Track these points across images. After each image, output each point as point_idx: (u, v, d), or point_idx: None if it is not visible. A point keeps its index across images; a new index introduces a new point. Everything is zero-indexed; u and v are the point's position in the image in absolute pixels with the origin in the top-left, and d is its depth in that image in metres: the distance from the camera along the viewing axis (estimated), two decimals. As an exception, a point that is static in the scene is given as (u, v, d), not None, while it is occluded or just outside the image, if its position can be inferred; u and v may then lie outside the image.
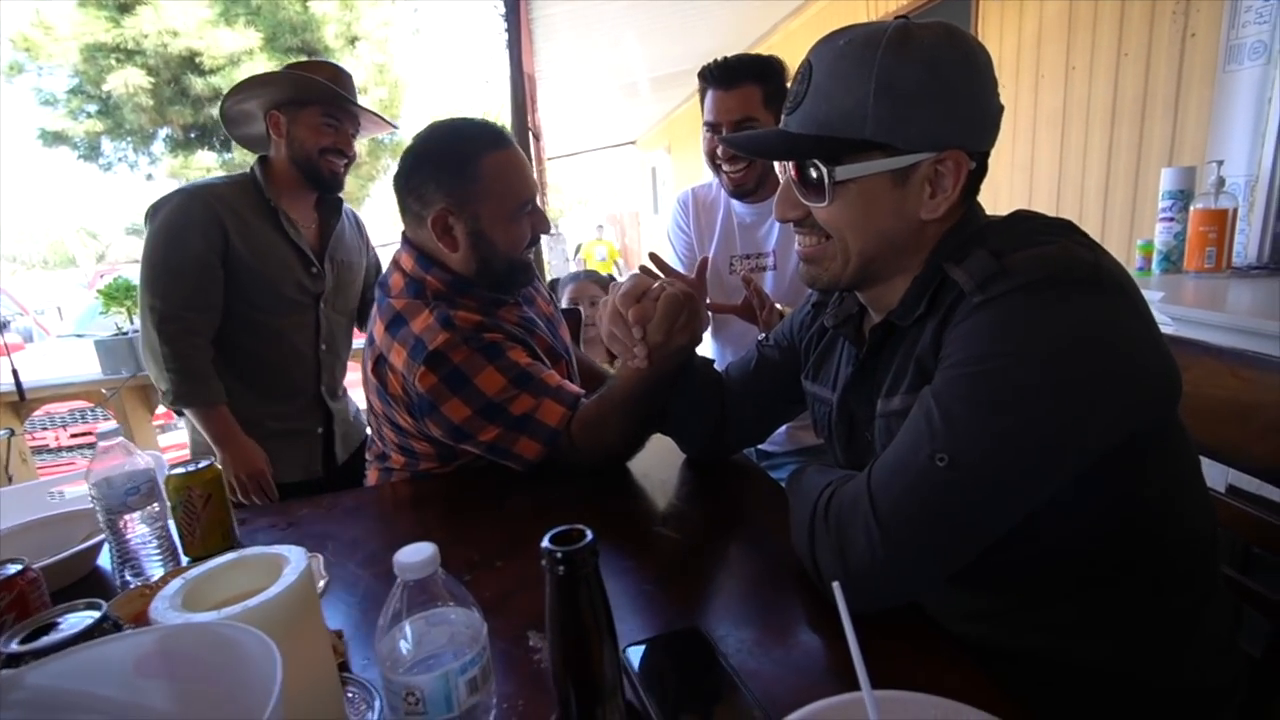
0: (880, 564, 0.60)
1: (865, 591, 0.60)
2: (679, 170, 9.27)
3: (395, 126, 1.67)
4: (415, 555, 0.43)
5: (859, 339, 0.78)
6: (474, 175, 1.00)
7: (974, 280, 0.60)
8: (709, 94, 1.42)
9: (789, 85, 1.40)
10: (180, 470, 0.84)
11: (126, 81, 8.85)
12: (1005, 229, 0.67)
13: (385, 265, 1.72)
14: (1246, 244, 1.83)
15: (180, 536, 0.84)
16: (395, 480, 1.15)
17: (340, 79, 1.47)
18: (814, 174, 0.66)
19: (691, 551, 0.84)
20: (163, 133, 9.94)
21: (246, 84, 1.44)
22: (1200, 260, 1.72)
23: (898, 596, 0.64)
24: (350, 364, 1.72)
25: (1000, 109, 0.67)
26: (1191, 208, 1.74)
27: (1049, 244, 0.61)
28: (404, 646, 0.44)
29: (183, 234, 1.39)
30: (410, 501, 1.06)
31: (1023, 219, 0.68)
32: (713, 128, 1.42)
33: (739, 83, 1.38)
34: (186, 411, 1.44)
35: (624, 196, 13.55)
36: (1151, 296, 1.48)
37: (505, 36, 3.27)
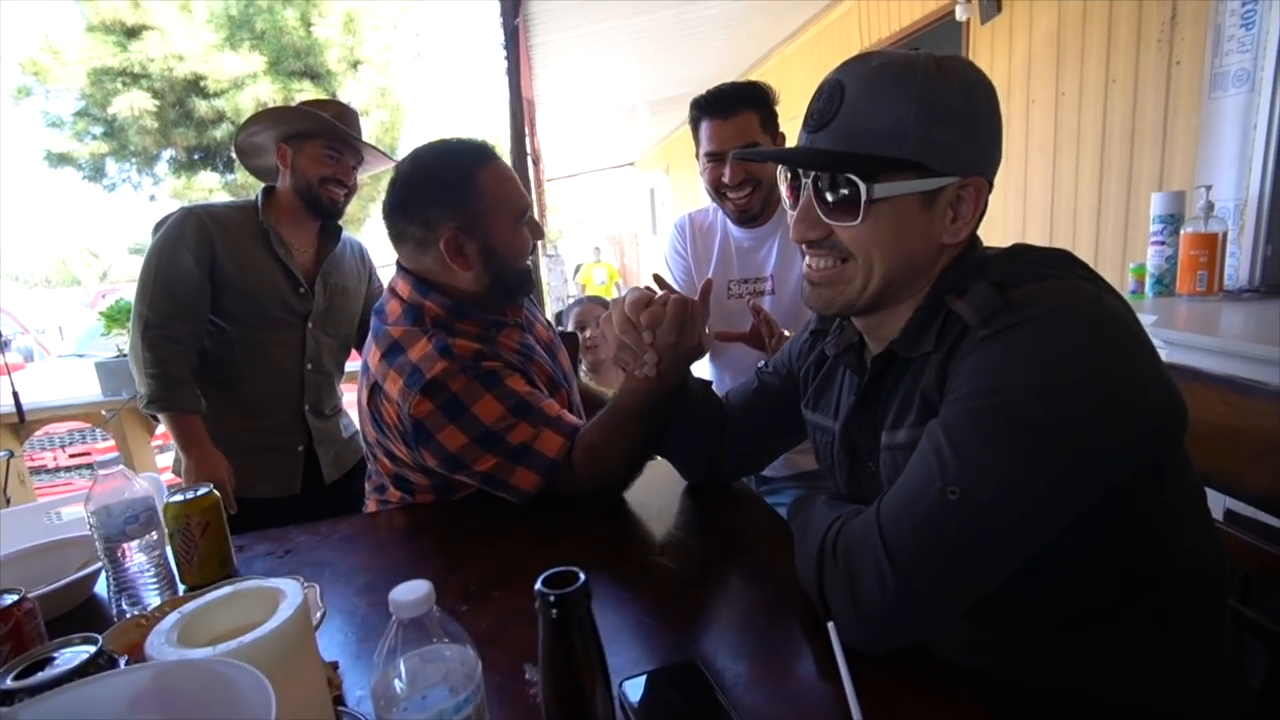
0: (892, 600, 0.59)
1: (875, 629, 0.60)
2: (677, 191, 9.35)
3: (394, 160, 1.72)
4: (410, 594, 0.43)
5: (860, 368, 0.78)
6: (476, 193, 1.02)
7: (979, 314, 0.61)
8: (705, 124, 1.43)
9: (778, 109, 1.45)
10: (179, 498, 0.84)
11: (132, 104, 8.97)
12: (1005, 261, 0.68)
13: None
14: (1238, 267, 1.85)
15: (177, 564, 0.84)
16: (392, 509, 1.14)
17: (344, 115, 1.58)
18: (846, 191, 0.65)
19: (688, 582, 0.84)
20: (166, 154, 10.04)
21: (258, 117, 1.56)
22: (1193, 283, 1.73)
23: (909, 634, 0.63)
24: (348, 386, 1.74)
25: (1001, 141, 0.69)
26: (1182, 231, 1.76)
27: (1051, 278, 0.62)
28: (398, 685, 0.44)
29: (174, 249, 1.48)
30: (407, 530, 1.06)
31: (1022, 251, 0.69)
32: (715, 157, 1.42)
33: (737, 110, 1.40)
34: (160, 416, 1.50)
35: (623, 217, 13.64)
36: (1145, 320, 1.49)
37: (505, 64, 3.32)
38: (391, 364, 1.00)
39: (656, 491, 1.08)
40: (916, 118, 0.62)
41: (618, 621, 0.75)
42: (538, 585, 0.36)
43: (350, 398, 2.14)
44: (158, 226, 1.53)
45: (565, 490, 1.00)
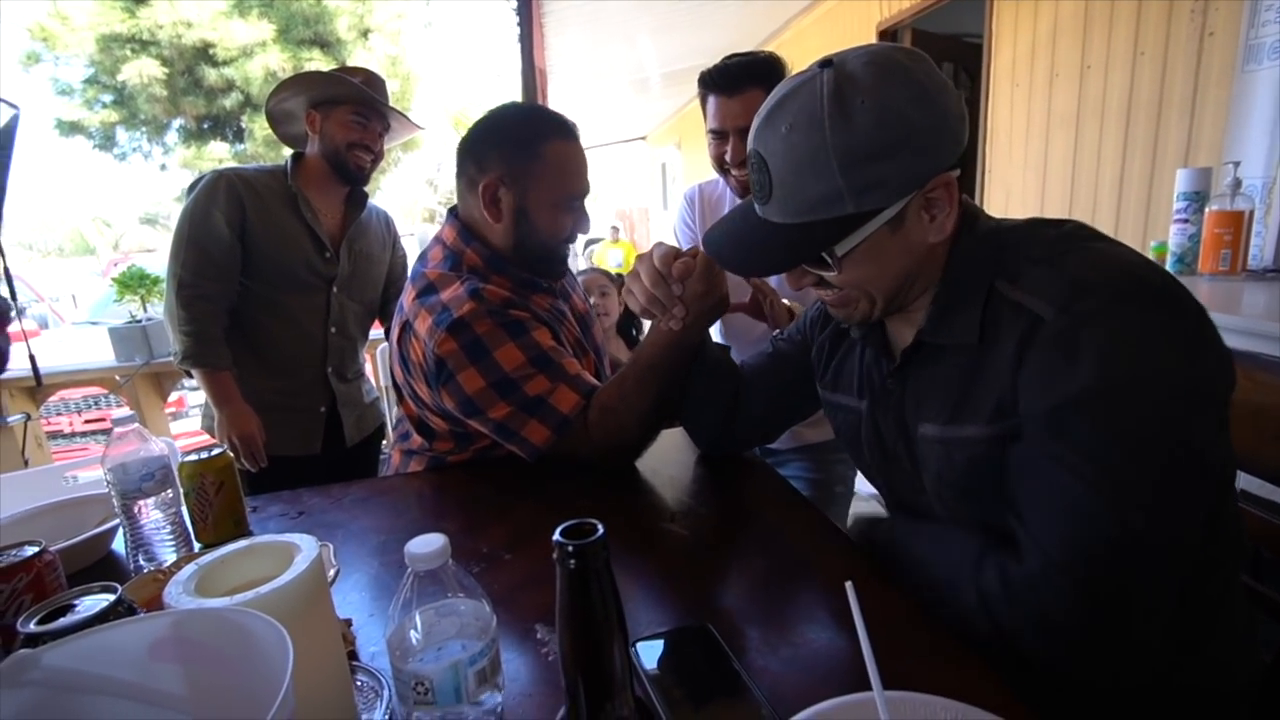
0: (1100, 634, 0.58)
1: (1090, 665, 0.59)
2: (689, 166, 9.25)
3: (422, 128, 1.76)
4: (426, 546, 0.43)
5: (887, 351, 0.77)
6: (535, 154, 1.03)
7: (1052, 303, 0.58)
8: (711, 100, 1.38)
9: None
10: (193, 457, 0.85)
11: (141, 72, 8.93)
12: (1030, 234, 0.66)
13: (409, 256, 1.80)
14: (1263, 246, 1.81)
15: (192, 523, 0.85)
16: (410, 469, 1.16)
17: (372, 82, 1.59)
18: (821, 257, 0.67)
19: (700, 548, 0.84)
20: (176, 123, 10.02)
21: (287, 84, 1.58)
22: (1215, 263, 1.70)
23: (1123, 663, 0.60)
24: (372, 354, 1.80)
25: (958, 99, 0.64)
26: (1207, 209, 1.73)
27: (1091, 248, 0.61)
28: (414, 636, 0.44)
29: (207, 210, 1.52)
30: (419, 493, 1.07)
31: (1040, 224, 0.68)
32: (719, 135, 1.39)
33: (743, 88, 1.35)
34: (194, 372, 1.56)
35: (634, 192, 13.54)
36: (1165, 299, 1.47)
37: (517, 31, 3.27)
38: (424, 303, 1.03)
39: (669, 461, 1.09)
40: (842, 176, 0.60)
41: (630, 585, 0.75)
42: (556, 536, 0.35)
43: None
44: (190, 188, 1.57)
45: (578, 450, 1.00)
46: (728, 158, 1.40)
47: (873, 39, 3.80)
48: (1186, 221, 1.79)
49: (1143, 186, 2.23)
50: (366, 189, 1.72)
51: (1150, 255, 1.90)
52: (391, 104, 1.61)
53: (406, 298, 1.08)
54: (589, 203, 1.14)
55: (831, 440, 1.46)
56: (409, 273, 1.13)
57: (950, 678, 0.58)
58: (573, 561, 0.35)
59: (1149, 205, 2.21)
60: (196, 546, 0.84)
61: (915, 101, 0.60)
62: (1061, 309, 0.57)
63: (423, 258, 1.13)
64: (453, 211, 1.14)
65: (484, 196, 1.04)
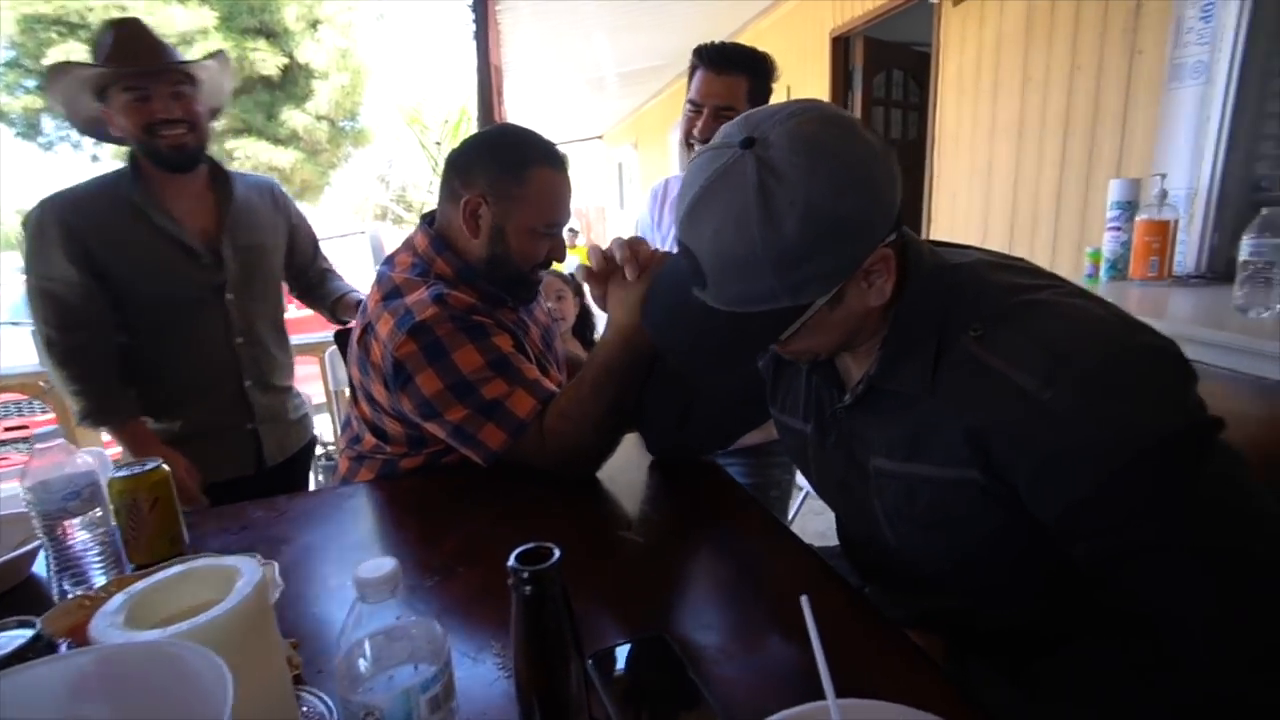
0: None
1: None
2: (645, 166, 9.26)
3: (212, 63, 1.39)
4: (375, 571, 0.41)
5: (837, 383, 0.76)
6: (521, 178, 1.04)
7: (1034, 375, 0.57)
8: (699, 73, 1.45)
9: (773, 86, 1.45)
10: (125, 472, 0.80)
11: (68, 55, 8.43)
12: (980, 278, 0.65)
13: (323, 247, 1.70)
14: (1186, 254, 1.91)
15: (124, 542, 0.80)
16: (360, 476, 1.13)
17: (130, 39, 1.30)
18: None
19: (656, 556, 0.84)
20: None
21: (50, 89, 1.32)
22: (1145, 269, 1.79)
23: None
24: (306, 359, 1.67)
25: (889, 154, 0.61)
26: (1137, 218, 1.81)
27: (1057, 305, 0.61)
28: (362, 664, 0.42)
29: (44, 254, 1.30)
30: (369, 503, 1.03)
31: (988, 266, 0.67)
32: (695, 107, 1.45)
33: (730, 70, 1.42)
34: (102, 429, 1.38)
35: (590, 191, 13.49)
36: (1100, 304, 1.54)
37: (473, 28, 3.21)
38: (388, 306, 1.02)
39: (623, 467, 1.08)
40: (776, 278, 0.58)
41: (586, 596, 0.74)
42: (510, 561, 0.35)
43: (306, 370, 2.02)
44: (24, 224, 1.34)
45: (534, 458, 0.99)
46: (696, 132, 1.45)
47: (826, 45, 3.87)
48: (1119, 229, 1.88)
49: (1079, 195, 2.33)
50: (225, 167, 1.46)
51: (1086, 261, 2.00)
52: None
53: (371, 299, 1.08)
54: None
55: (770, 443, 1.49)
56: (380, 277, 1.10)
57: (901, 681, 0.59)
58: (528, 588, 0.34)
59: (1085, 213, 2.31)
60: (129, 568, 0.79)
61: (843, 192, 0.57)
62: (1046, 381, 0.56)
63: (389, 261, 1.12)
64: (427, 219, 1.13)
65: (465, 210, 1.05)
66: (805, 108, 0.61)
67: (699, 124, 1.44)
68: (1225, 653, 0.54)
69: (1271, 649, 0.53)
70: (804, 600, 0.43)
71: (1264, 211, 1.40)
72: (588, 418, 0.98)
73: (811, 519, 2.68)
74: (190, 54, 1.39)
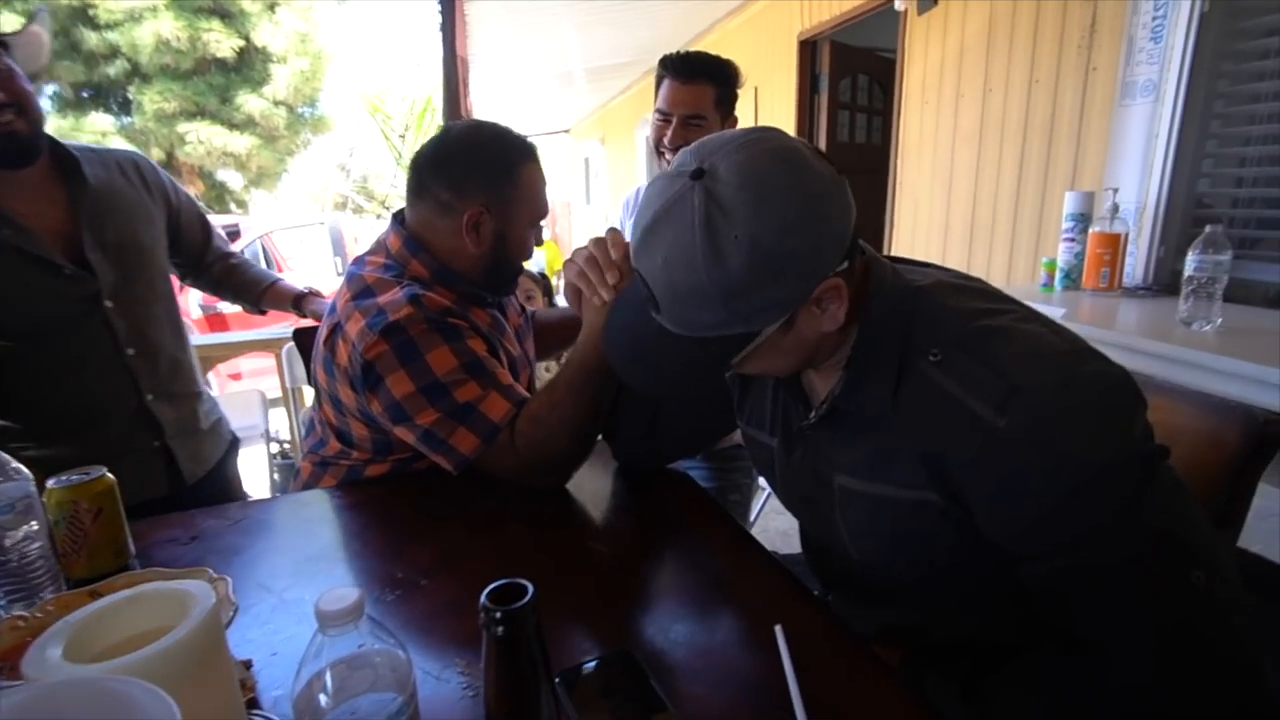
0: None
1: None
2: (612, 162, 9.22)
3: (43, 30, 1.21)
4: (338, 603, 0.40)
5: (802, 399, 0.77)
6: (515, 182, 1.04)
7: (989, 403, 0.58)
8: (665, 83, 1.49)
9: (739, 91, 1.48)
10: (65, 481, 0.76)
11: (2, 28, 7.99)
12: (941, 302, 0.66)
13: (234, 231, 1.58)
14: (1135, 266, 1.98)
15: (61, 556, 0.76)
16: (323, 483, 1.09)
17: None
18: None
19: (623, 569, 0.84)
20: (49, 89, 9.05)
21: None
22: (1096, 280, 1.85)
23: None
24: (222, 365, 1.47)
25: (841, 188, 0.62)
26: (1090, 230, 1.88)
27: (1015, 332, 0.62)
28: (323, 698, 0.41)
29: None
30: (329, 513, 1.00)
31: (948, 289, 0.68)
32: (664, 116, 1.49)
33: (696, 79, 1.46)
34: None
35: (556, 185, 13.38)
36: (1054, 313, 1.59)
37: (439, 19, 3.14)
38: (359, 305, 0.99)
39: (590, 476, 1.07)
40: (724, 308, 0.59)
41: (553, 610, 0.73)
42: (482, 598, 0.33)
43: (262, 363, 1.83)
44: None
45: (505, 465, 0.97)
46: (666, 140, 1.50)
47: (794, 48, 3.90)
48: (1073, 240, 1.95)
49: (1036, 205, 2.40)
50: (67, 145, 1.20)
51: (1042, 271, 2.06)
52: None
53: (340, 299, 1.04)
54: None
55: (731, 449, 1.50)
56: (350, 276, 1.05)
57: (867, 696, 0.60)
58: (500, 628, 0.33)
59: (1040, 223, 2.38)
60: (64, 585, 0.75)
61: (790, 229, 0.57)
62: (999, 410, 0.57)
63: (360, 261, 1.09)
64: (398, 218, 1.10)
65: (466, 224, 1.03)
66: (756, 139, 0.61)
67: (668, 133, 1.48)
68: (1158, 678, 0.57)
69: (1202, 676, 0.56)
70: (778, 630, 0.42)
71: (1207, 229, 1.46)
72: (563, 421, 0.96)
73: (774, 518, 2.71)
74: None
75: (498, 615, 0.33)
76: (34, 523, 0.72)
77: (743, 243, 0.57)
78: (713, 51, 1.54)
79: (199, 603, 0.46)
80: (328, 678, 0.41)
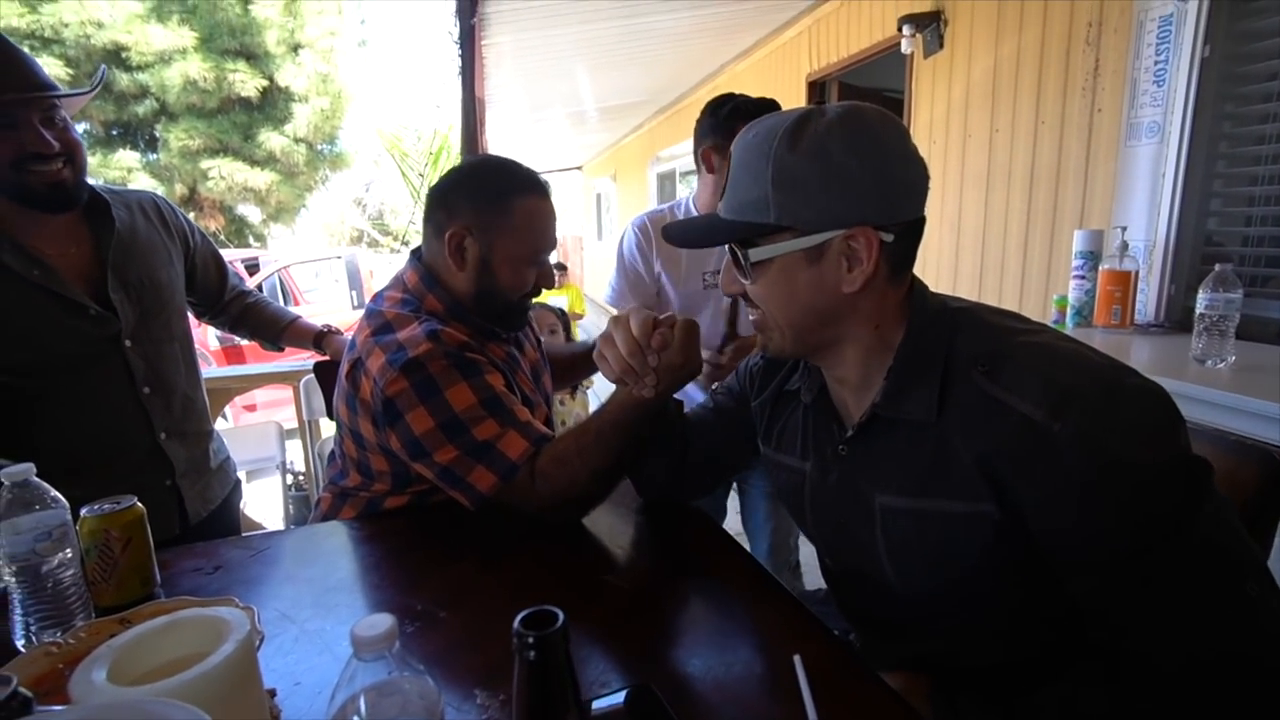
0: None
1: None
2: (624, 198, 9.39)
3: (91, 91, 1.26)
4: (372, 630, 0.41)
5: (836, 418, 0.79)
6: (505, 208, 1.05)
7: (1039, 405, 0.59)
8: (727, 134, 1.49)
9: None
10: (97, 510, 0.78)
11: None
12: (981, 318, 0.70)
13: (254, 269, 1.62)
14: (1147, 303, 1.99)
15: (91, 584, 0.77)
16: (342, 514, 1.11)
17: None
18: (739, 255, 0.71)
19: (641, 602, 0.84)
20: (81, 128, 9.38)
21: None
22: (1108, 316, 1.86)
23: None
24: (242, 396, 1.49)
25: (920, 177, 0.68)
26: (1100, 268, 1.89)
27: (1055, 346, 0.64)
28: (356, 723, 0.42)
29: None
30: (349, 545, 1.02)
31: (985, 308, 0.72)
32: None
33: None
34: None
35: (569, 221, 13.59)
36: (1066, 350, 1.59)
37: (458, 63, 3.26)
38: (379, 341, 1.01)
39: (605, 509, 1.07)
40: (773, 185, 0.66)
41: (573, 643, 0.74)
42: (515, 623, 0.35)
43: (278, 394, 1.85)
44: None
45: (523, 501, 0.97)
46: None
47: (803, 89, 4.00)
48: (1083, 278, 1.96)
49: (1045, 244, 2.42)
50: (96, 188, 1.22)
51: (1053, 308, 2.07)
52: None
53: (360, 334, 1.06)
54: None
55: None
56: (370, 312, 1.07)
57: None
58: (532, 653, 0.34)
59: (1050, 262, 2.40)
60: (93, 613, 0.76)
61: (856, 153, 0.65)
62: (1054, 414, 0.58)
63: (379, 297, 1.12)
64: (416, 254, 1.13)
65: (450, 244, 1.05)
66: (870, 104, 0.69)
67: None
68: (1212, 690, 0.57)
69: (1257, 687, 0.55)
70: (796, 660, 0.43)
71: (1217, 267, 1.48)
72: (587, 467, 0.95)
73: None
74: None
75: (530, 640, 0.34)
76: (68, 550, 0.74)
77: (815, 142, 0.65)
78: (723, 93, 1.58)
79: (234, 629, 0.48)
80: (361, 703, 0.43)
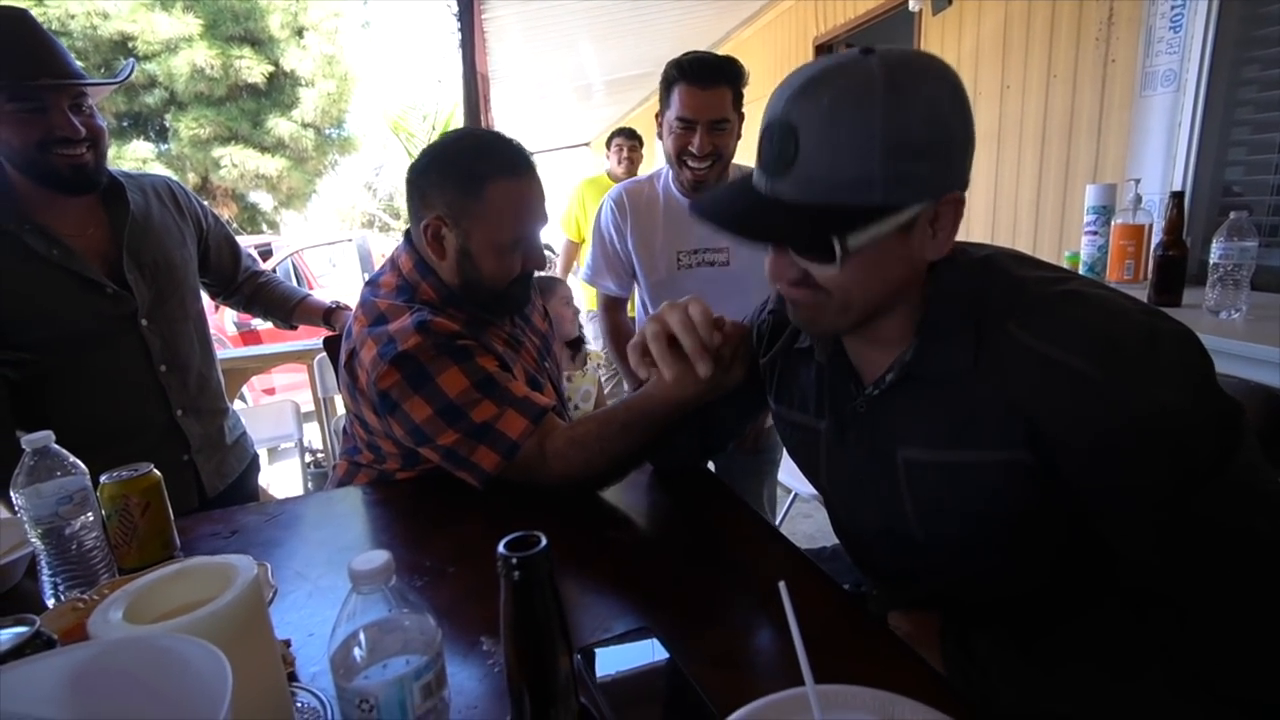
0: None
1: None
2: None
3: (115, 81, 1.29)
4: (369, 563, 0.43)
5: (853, 375, 0.76)
6: (477, 195, 0.99)
7: (1083, 355, 0.58)
8: (681, 88, 1.43)
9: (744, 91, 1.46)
10: (116, 476, 0.81)
11: (50, 65, 8.37)
12: (1009, 268, 0.67)
13: (260, 249, 1.64)
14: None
15: (114, 547, 0.81)
16: (357, 480, 1.13)
17: (19, 36, 1.10)
18: (824, 243, 0.61)
19: (643, 554, 0.86)
20: (92, 120, 9.44)
21: None
22: (1121, 271, 1.83)
23: None
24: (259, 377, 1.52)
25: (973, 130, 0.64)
26: (1113, 222, 1.86)
27: (1090, 294, 0.62)
28: (357, 654, 0.44)
29: None
30: (359, 509, 1.04)
31: (1011, 256, 0.69)
32: (686, 124, 1.44)
33: (716, 83, 1.42)
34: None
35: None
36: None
37: (458, 36, 3.23)
38: (371, 333, 1.00)
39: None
40: (882, 161, 0.57)
41: (574, 592, 0.76)
42: (499, 548, 0.36)
43: (296, 378, 1.90)
44: None
45: (532, 476, 0.97)
46: (694, 148, 1.44)
47: (810, 52, 3.93)
48: (1096, 233, 1.93)
49: (1057, 200, 2.38)
50: (115, 176, 1.26)
51: (1064, 264, 2.03)
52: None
53: (355, 325, 1.05)
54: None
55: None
56: (364, 301, 1.06)
57: (878, 667, 0.61)
58: (517, 573, 0.35)
59: (1063, 217, 2.36)
60: (117, 573, 0.80)
61: (957, 110, 0.60)
62: (1099, 364, 0.57)
63: (374, 284, 1.09)
64: (408, 237, 1.10)
65: (427, 234, 1.02)
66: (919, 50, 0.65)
67: (694, 140, 1.43)
68: (1250, 633, 0.56)
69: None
70: (781, 586, 0.44)
71: (1231, 215, 1.45)
72: (605, 454, 0.94)
73: (801, 521, 2.70)
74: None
75: (514, 561, 0.35)
76: (89, 514, 0.77)
77: (924, 101, 0.57)
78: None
79: (241, 573, 0.50)
80: (361, 636, 0.44)
